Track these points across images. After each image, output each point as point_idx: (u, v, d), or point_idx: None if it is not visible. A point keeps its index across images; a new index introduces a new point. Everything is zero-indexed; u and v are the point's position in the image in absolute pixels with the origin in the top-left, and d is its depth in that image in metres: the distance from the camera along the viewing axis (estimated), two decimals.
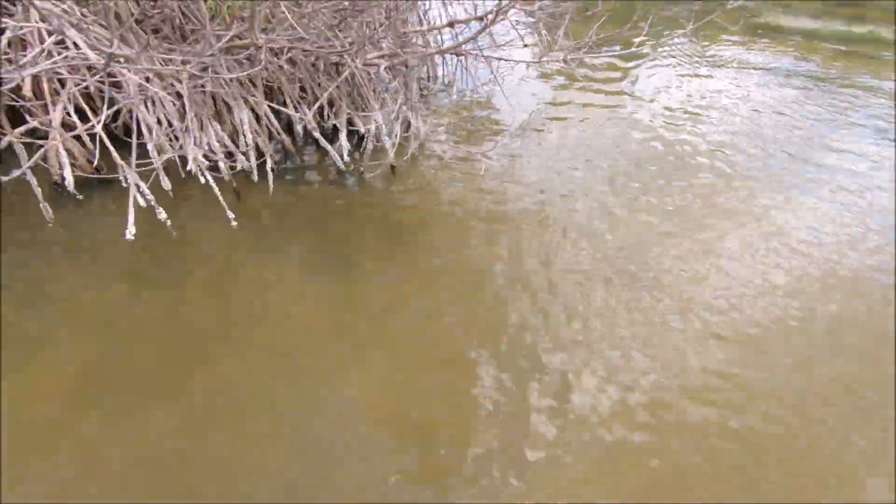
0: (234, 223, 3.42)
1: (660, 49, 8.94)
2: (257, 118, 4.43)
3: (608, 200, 4.55)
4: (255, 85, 4.21)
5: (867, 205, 4.84)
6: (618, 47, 7.87)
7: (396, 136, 4.14)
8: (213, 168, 3.97)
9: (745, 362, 3.12)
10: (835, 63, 9.00)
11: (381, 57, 4.08)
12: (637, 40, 4.30)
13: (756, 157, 5.54)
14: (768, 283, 3.76)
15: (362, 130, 4.13)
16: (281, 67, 3.99)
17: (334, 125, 4.35)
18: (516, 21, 5.17)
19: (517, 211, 4.32)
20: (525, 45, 5.29)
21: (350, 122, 4.62)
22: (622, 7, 5.52)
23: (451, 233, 4.02)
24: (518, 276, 3.61)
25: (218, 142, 3.95)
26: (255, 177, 4.15)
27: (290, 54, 4.00)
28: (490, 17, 3.73)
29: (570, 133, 5.67)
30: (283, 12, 3.71)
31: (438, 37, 5.78)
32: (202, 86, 3.98)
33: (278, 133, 4.35)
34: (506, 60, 4.51)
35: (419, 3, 5.79)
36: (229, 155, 4.08)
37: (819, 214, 4.65)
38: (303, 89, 4.68)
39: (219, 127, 3.89)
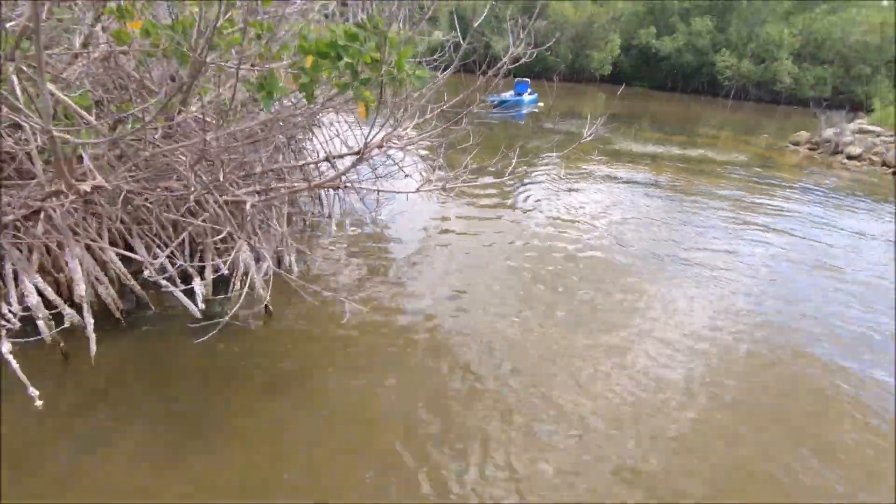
0: (39, 403, 2.68)
1: (536, 169, 9.90)
2: (104, 265, 3.87)
3: (497, 315, 4.42)
4: (100, 230, 3.72)
5: (729, 292, 5.29)
6: (496, 167, 8.54)
7: (269, 273, 3.79)
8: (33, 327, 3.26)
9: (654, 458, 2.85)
10: (679, 177, 10.54)
11: (251, 193, 3.85)
12: (513, 162, 4.62)
13: (628, 257, 6.01)
14: (652, 378, 3.70)
15: (224, 271, 3.72)
16: (131, 211, 3.59)
17: (197, 267, 3.91)
18: (395, 153, 5.35)
19: (402, 343, 4.01)
20: (406, 176, 5.44)
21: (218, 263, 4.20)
22: (494, 138, 6.14)
23: (330, 382, 3.56)
24: (392, 440, 3.17)
25: (41, 295, 3.30)
26: (91, 332, 3.47)
27: (143, 196, 3.64)
28: (363, 151, 3.73)
29: (455, 251, 5.70)
30: (138, 152, 3.42)
31: (319, 169, 5.79)
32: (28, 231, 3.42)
33: (127, 279, 3.79)
34: (385, 192, 4.52)
35: (302, 137, 5.88)
36: (57, 311, 3.41)
37: (689, 305, 4.94)
38: (172, 227, 4.26)
39: (40, 279, 3.27)
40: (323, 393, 3.40)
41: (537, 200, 8.04)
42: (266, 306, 4.01)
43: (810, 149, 14.31)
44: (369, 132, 3.39)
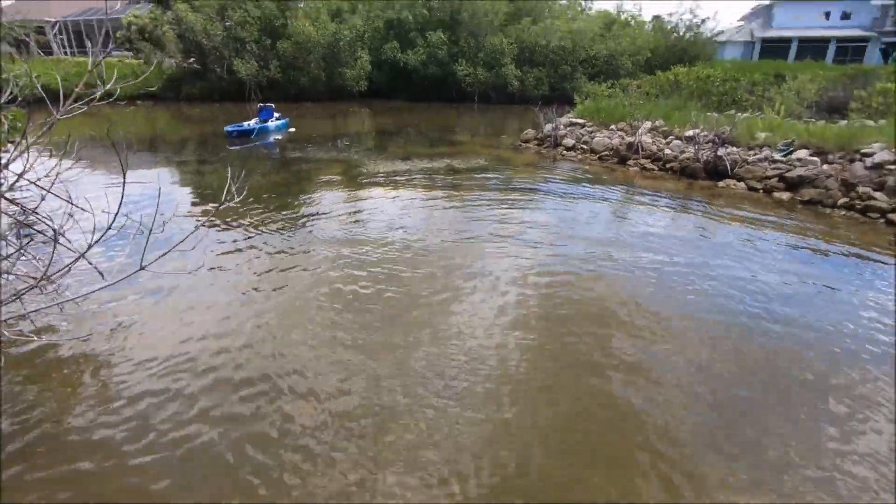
0: None
1: (302, 205, 8.82)
2: None
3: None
4: None
5: (523, 259, 5.56)
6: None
7: None
8: None
9: None
10: (450, 184, 11.10)
11: None
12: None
13: (429, 244, 6.91)
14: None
15: None
16: None
17: None
18: None
19: None
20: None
21: None
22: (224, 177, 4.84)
23: None
24: None
25: None
26: None
27: None
28: None
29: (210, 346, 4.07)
30: None
31: None
32: None
33: None
34: None
35: None
36: None
37: (496, 276, 5.48)
38: None
39: None
40: None
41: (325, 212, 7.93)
42: None
43: (538, 144, 16.10)
44: None
